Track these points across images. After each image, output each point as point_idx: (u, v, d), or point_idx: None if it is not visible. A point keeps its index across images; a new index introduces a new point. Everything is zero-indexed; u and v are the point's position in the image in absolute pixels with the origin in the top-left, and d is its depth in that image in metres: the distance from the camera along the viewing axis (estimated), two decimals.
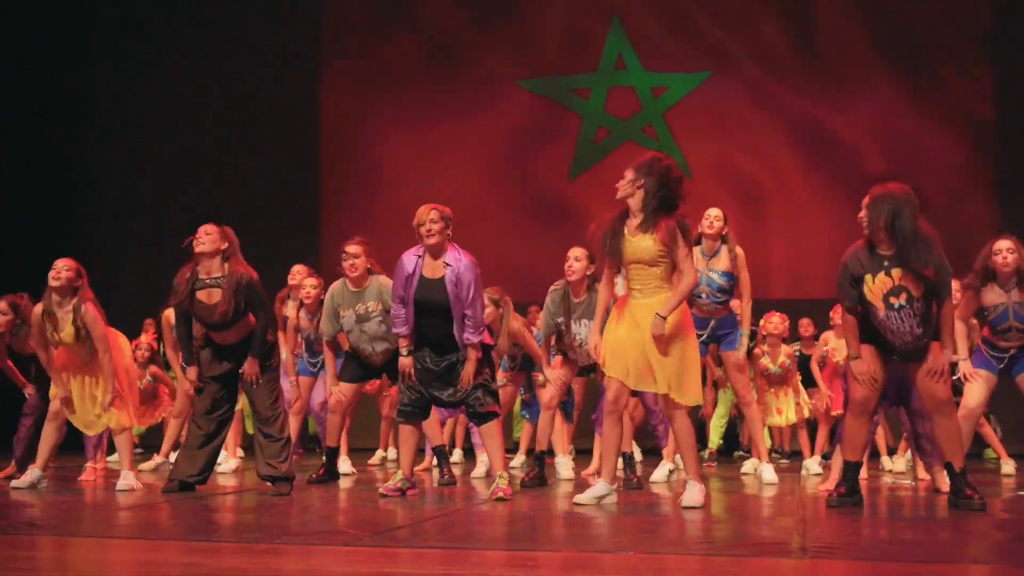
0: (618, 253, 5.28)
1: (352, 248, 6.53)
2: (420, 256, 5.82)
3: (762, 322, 8.39)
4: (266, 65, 12.12)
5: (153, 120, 12.28)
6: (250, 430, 10.64)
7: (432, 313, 5.77)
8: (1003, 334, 6.10)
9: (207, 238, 6.09)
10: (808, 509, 5.32)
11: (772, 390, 8.42)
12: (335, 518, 5.10)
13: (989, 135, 10.99)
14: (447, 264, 5.80)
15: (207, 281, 6.10)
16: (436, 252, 5.80)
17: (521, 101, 11.88)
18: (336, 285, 6.61)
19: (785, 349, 8.43)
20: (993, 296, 6.04)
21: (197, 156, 12.11)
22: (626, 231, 5.26)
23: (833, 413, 8.24)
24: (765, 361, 8.34)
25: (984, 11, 11.13)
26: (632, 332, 5.20)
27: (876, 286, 5.15)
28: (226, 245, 6.16)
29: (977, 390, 6.17)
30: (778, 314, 8.43)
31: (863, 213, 5.21)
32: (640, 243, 5.21)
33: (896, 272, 5.10)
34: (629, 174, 5.25)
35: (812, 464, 7.87)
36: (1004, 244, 5.98)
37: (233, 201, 11.51)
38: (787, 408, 8.45)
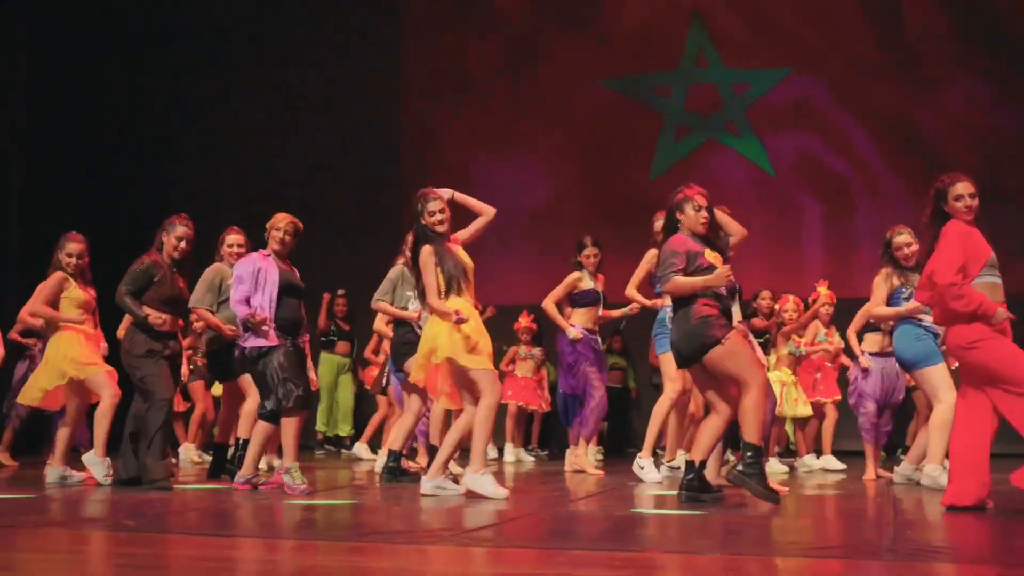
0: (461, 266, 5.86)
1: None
2: (267, 255, 6.41)
3: (777, 307, 8.43)
4: (347, 67, 12.28)
5: (239, 118, 12.51)
6: (324, 427, 10.95)
7: (297, 295, 6.38)
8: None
9: (188, 248, 6.70)
10: (896, 510, 5.23)
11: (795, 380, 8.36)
12: (415, 517, 5.13)
13: None
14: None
15: (175, 268, 6.69)
16: (283, 255, 6.50)
17: (601, 100, 11.85)
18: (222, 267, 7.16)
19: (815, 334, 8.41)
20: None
21: (280, 156, 12.33)
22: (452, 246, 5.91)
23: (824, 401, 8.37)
24: (789, 347, 8.30)
25: None
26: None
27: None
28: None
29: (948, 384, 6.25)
30: (793, 298, 8.39)
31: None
32: (466, 257, 5.94)
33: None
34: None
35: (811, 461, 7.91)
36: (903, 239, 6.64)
37: (318, 201, 11.68)
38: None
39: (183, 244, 6.62)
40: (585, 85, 11.86)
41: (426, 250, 5.83)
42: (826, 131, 11.27)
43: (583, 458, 7.71)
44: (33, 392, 6.88)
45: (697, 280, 5.43)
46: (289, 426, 6.15)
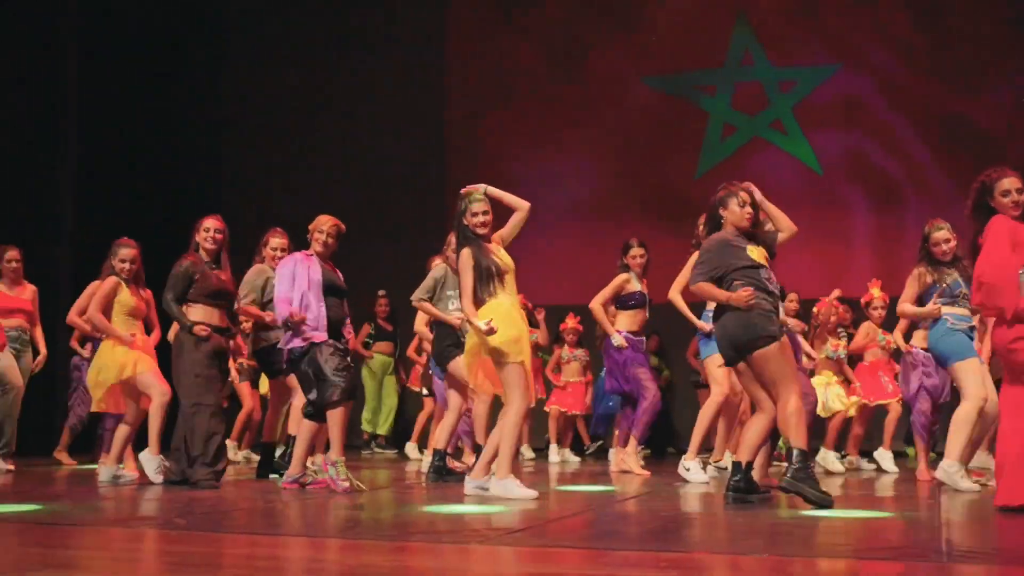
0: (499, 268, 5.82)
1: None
2: (310, 256, 6.42)
3: (815, 310, 8.41)
4: (390, 69, 12.34)
5: (283, 115, 12.65)
6: (368, 427, 11.04)
7: (338, 295, 6.41)
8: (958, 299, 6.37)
9: (221, 236, 6.78)
10: (946, 511, 5.16)
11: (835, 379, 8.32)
12: (460, 517, 5.15)
13: None
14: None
15: (214, 264, 6.78)
16: (325, 257, 6.52)
17: (646, 99, 11.81)
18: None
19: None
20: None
21: (323, 156, 12.43)
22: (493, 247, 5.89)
23: (871, 403, 8.31)
24: (826, 352, 8.25)
25: None
26: None
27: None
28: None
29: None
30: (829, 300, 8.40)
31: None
32: (507, 257, 5.92)
33: None
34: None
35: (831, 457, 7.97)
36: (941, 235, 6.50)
37: (359, 202, 11.77)
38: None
39: (211, 233, 6.71)
40: (630, 84, 11.83)
41: (465, 253, 5.83)
42: (874, 128, 11.16)
43: (631, 458, 7.69)
44: (96, 393, 6.96)
45: (721, 293, 5.42)
46: (335, 420, 6.18)
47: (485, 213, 5.92)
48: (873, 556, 3.89)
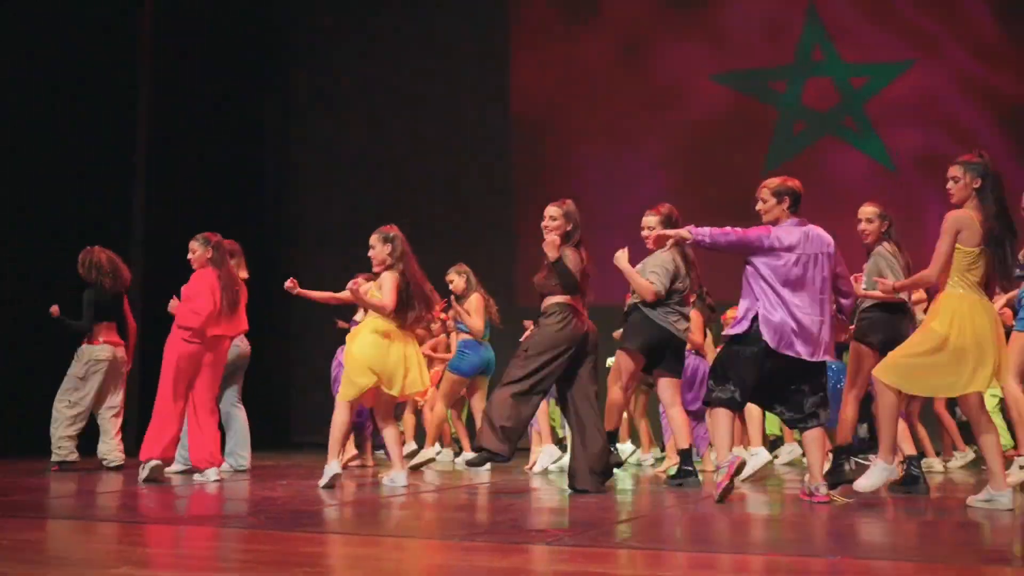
0: None
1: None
2: None
3: None
4: (455, 65, 12.34)
5: (348, 118, 12.72)
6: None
7: None
8: None
9: (554, 224, 6.26)
10: None
11: None
12: (532, 516, 5.10)
13: None
14: None
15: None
16: None
17: (714, 96, 11.66)
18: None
19: None
20: None
21: (388, 157, 12.46)
22: None
23: None
24: None
25: None
26: None
27: None
28: (570, 226, 6.31)
29: None
30: None
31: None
32: None
33: None
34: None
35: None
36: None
37: (428, 200, 11.82)
38: None
39: (544, 222, 6.30)
40: (697, 81, 11.69)
41: None
42: (950, 125, 10.90)
43: None
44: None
45: None
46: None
47: None
48: None
